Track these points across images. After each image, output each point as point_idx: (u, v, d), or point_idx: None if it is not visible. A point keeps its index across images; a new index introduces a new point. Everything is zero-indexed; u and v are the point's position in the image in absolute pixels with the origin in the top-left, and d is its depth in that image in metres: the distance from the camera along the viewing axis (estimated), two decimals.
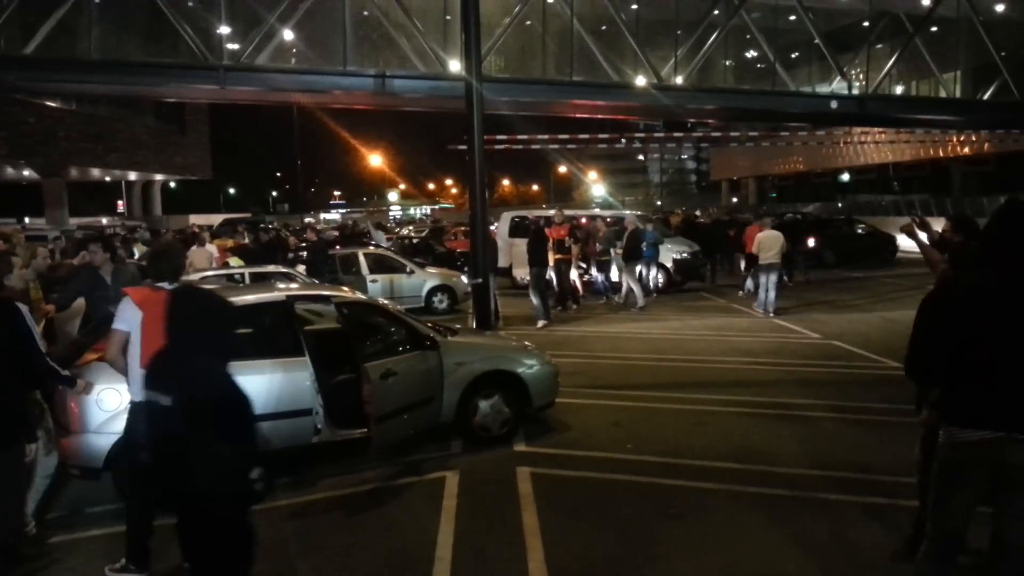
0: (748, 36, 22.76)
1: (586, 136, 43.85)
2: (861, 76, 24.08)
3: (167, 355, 3.83)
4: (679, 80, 21.59)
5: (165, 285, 4.83)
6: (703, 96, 22.09)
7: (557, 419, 7.97)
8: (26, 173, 35.49)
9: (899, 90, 27.69)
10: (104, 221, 35.33)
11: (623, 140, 58.18)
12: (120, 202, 49.04)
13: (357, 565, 5.02)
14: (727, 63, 24.25)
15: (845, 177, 62.15)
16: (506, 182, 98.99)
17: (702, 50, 21.75)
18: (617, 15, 21.19)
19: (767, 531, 5.33)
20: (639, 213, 23.73)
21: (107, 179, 44.80)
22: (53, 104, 32.15)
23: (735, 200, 73.34)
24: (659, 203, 78.59)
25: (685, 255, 19.30)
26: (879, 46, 24.41)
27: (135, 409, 4.82)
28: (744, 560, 4.94)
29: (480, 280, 9.98)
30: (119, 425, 5.59)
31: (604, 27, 22.13)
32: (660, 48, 22.60)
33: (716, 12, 21.95)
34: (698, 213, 43.10)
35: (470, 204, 10.83)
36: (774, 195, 71.31)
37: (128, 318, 4.75)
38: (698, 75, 22.07)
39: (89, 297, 7.47)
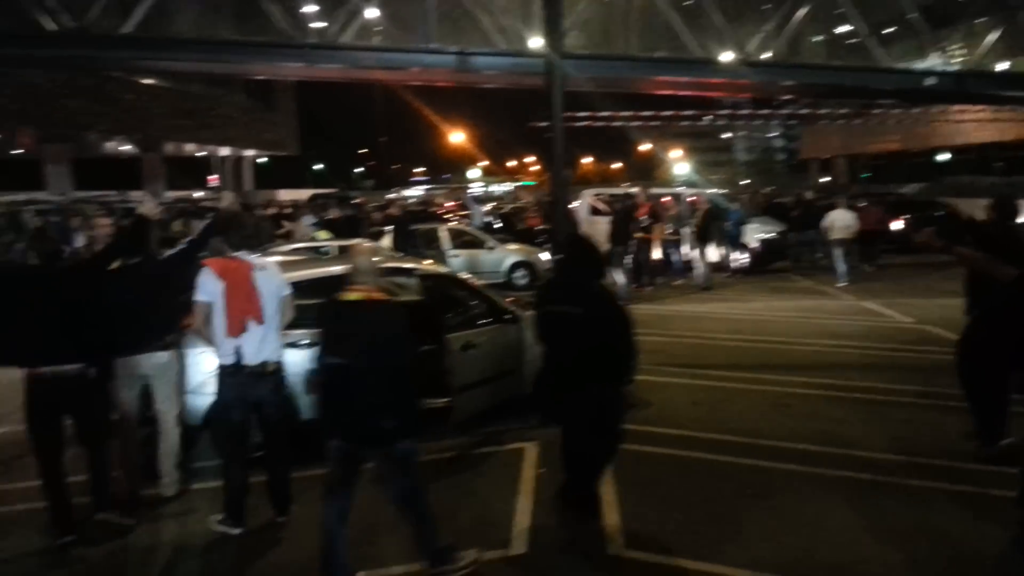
0: (840, 10, 21.94)
1: (669, 113, 43.12)
2: (960, 52, 22.97)
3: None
4: (766, 55, 21.01)
5: (243, 255, 5.12)
6: (791, 71, 21.47)
7: (636, 396, 7.96)
8: (126, 148, 37.05)
9: (1002, 67, 26.29)
10: (199, 195, 36.67)
11: (708, 117, 57.04)
12: (212, 177, 50.74)
13: (440, 526, 5.16)
14: (817, 38, 23.45)
15: (943, 157, 59.46)
16: (587, 160, 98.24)
17: (790, 24, 21.09)
18: None
19: (848, 515, 5.24)
20: (723, 191, 23.28)
21: (200, 154, 46.41)
22: (150, 82, 33.43)
23: (825, 180, 71.10)
24: (744, 182, 76.84)
25: (771, 235, 18.87)
26: (980, 20, 23.20)
27: (223, 373, 5.10)
28: (824, 543, 4.87)
29: (560, 256, 9.99)
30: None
31: (689, 1, 21.69)
32: (747, 23, 22.01)
33: None
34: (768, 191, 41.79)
35: (551, 180, 10.83)
36: (867, 175, 68.79)
37: (209, 289, 5.03)
38: (786, 50, 21.43)
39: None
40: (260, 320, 5.09)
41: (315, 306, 5.91)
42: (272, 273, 5.28)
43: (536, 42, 19.16)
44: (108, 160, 43.59)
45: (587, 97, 33.23)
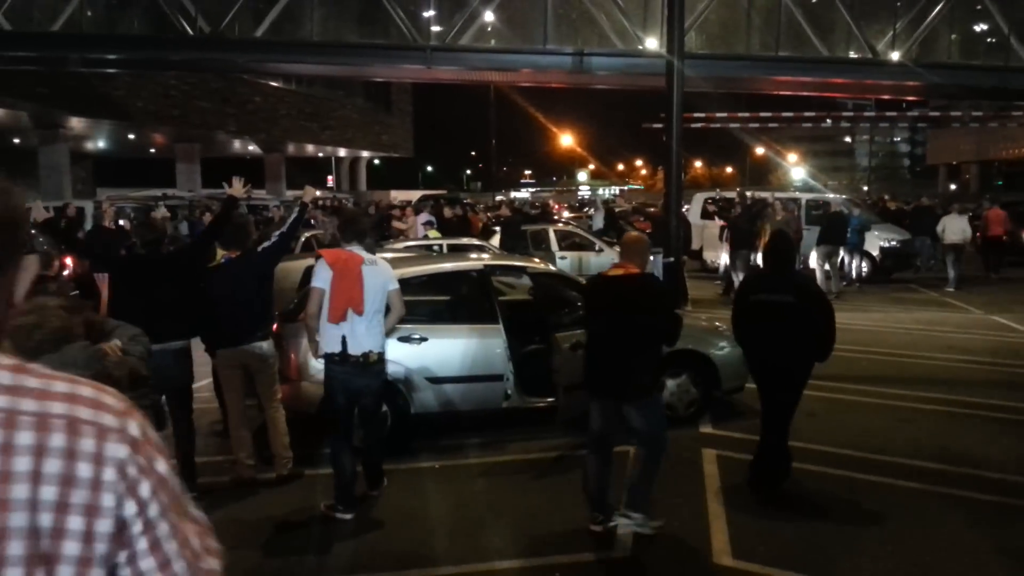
0: (978, 7, 20.73)
1: (790, 114, 41.75)
2: None
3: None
4: (896, 55, 20.07)
5: (355, 248, 5.34)
6: (924, 72, 20.40)
7: (746, 404, 7.77)
8: (251, 148, 38.83)
9: None
10: (318, 193, 38.08)
11: (829, 120, 54.99)
12: (330, 177, 52.53)
13: (543, 526, 5.20)
14: (952, 37, 22.23)
15: None
16: (699, 164, 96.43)
17: (924, 23, 20.09)
18: None
19: (973, 537, 4.96)
20: (845, 197, 22.38)
21: (319, 155, 48.13)
22: (275, 84, 34.94)
23: (954, 187, 67.38)
24: (865, 188, 73.64)
25: (894, 243, 18.04)
26: None
27: (329, 361, 5.28)
28: (946, 565, 4.63)
29: (672, 259, 9.87)
30: None
31: (814, 0, 20.97)
32: (876, 21, 21.07)
33: None
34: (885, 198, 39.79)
35: (665, 183, 10.71)
36: (1000, 183, 64.77)
37: (324, 277, 5.24)
38: (918, 49, 20.41)
39: None
40: (360, 311, 5.20)
41: (430, 301, 6.08)
42: (381, 268, 5.41)
43: (653, 43, 18.95)
44: (234, 159, 45.79)
45: (701, 99, 32.62)
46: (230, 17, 18.81)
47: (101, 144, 34.79)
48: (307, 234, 13.23)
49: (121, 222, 16.61)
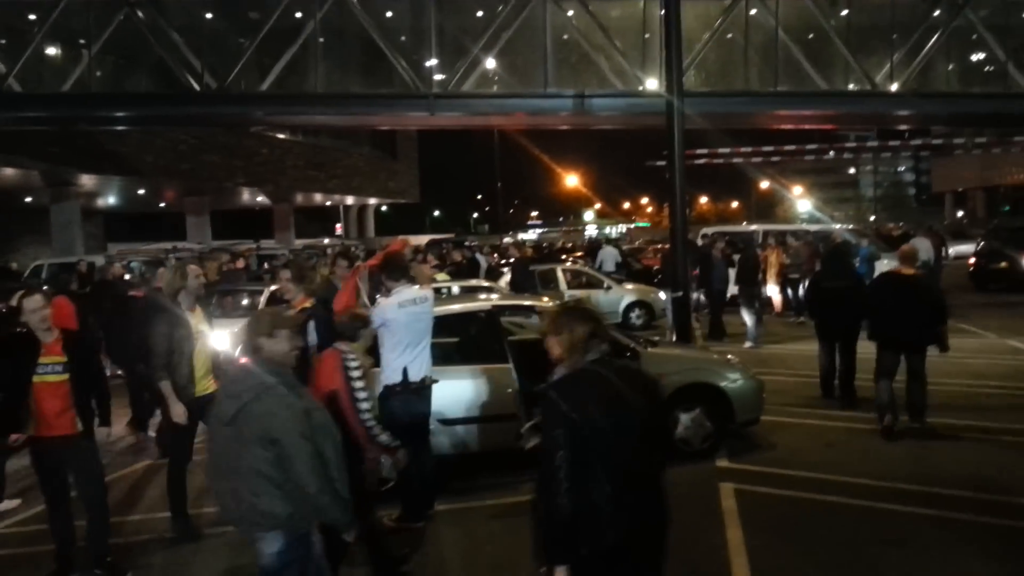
0: (974, 36, 20.94)
1: (792, 147, 42.02)
2: None
3: None
4: (895, 86, 20.24)
5: (403, 284, 5.87)
6: (923, 101, 20.56)
7: (762, 437, 7.71)
8: (259, 199, 39.23)
9: None
10: (326, 241, 38.33)
11: (832, 152, 55.25)
12: (338, 225, 52.93)
13: None
14: (950, 66, 22.42)
15: None
16: (704, 199, 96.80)
17: (921, 54, 20.28)
18: (826, 22, 20.26)
19: (1001, 567, 4.87)
20: (851, 227, 22.40)
21: (327, 203, 48.55)
22: (282, 136, 35.40)
23: (961, 213, 67.30)
24: (872, 218, 73.68)
25: None
26: None
27: (386, 392, 5.69)
28: None
29: (680, 293, 9.88)
30: None
31: (811, 35, 21.23)
32: (873, 53, 21.29)
33: (937, 13, 20.40)
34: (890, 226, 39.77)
35: (670, 219, 10.76)
36: (1007, 208, 64.69)
37: (384, 318, 5.68)
38: (917, 80, 20.58)
39: (326, 303, 8.21)
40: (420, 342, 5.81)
41: (440, 344, 6.16)
42: (431, 302, 6.03)
43: (653, 83, 19.17)
44: (243, 211, 46.26)
45: (705, 135, 32.90)
46: (236, 72, 19.16)
47: (112, 200, 35.19)
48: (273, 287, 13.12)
49: (127, 276, 16.77)
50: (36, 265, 21.24)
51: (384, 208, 60.86)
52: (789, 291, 16.47)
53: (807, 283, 12.62)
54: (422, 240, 40.70)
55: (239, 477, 3.52)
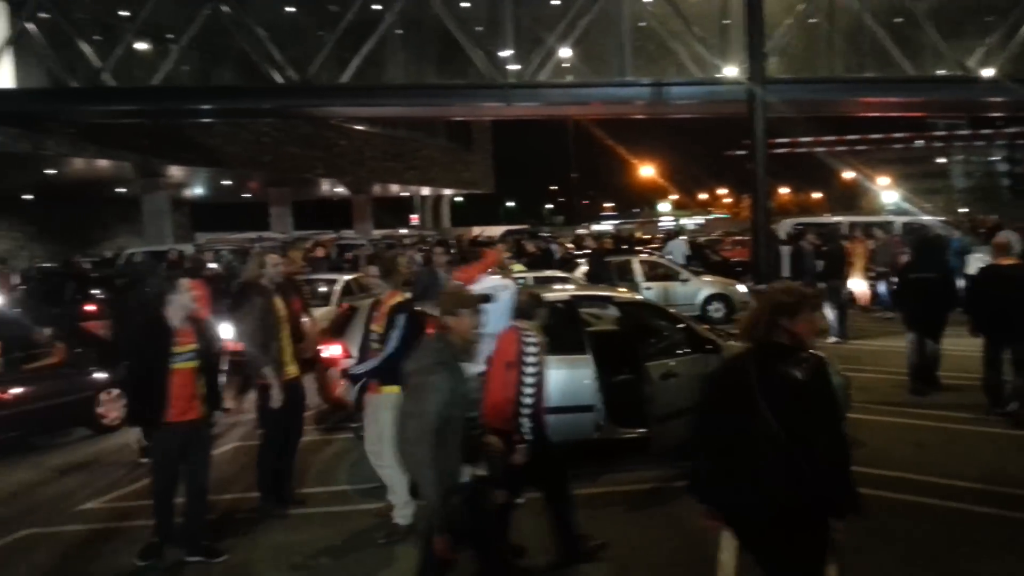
0: None
1: (879, 136, 40.61)
2: None
3: None
4: (988, 72, 19.34)
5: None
6: (1018, 87, 19.59)
7: (849, 435, 7.46)
8: (338, 190, 40.00)
9: None
10: (403, 232, 38.86)
11: (920, 140, 53.20)
12: (414, 215, 53.57)
13: (640, 558, 5.09)
14: None
15: None
16: (784, 190, 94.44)
17: (1016, 37, 19.32)
18: (915, 5, 19.49)
19: None
20: (944, 219, 21.55)
21: (403, 194, 49.20)
22: (361, 127, 35.99)
23: None
24: (963, 210, 70.71)
25: None
26: None
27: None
28: None
29: (763, 286, 9.66)
30: None
31: (899, 19, 20.46)
32: (965, 37, 20.41)
33: None
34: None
35: (752, 210, 10.54)
36: None
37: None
38: (1012, 64, 19.62)
39: (426, 291, 8.33)
40: None
41: None
42: (512, 291, 6.03)
43: (732, 70, 18.80)
44: (323, 201, 47.25)
45: (785, 124, 32.08)
46: (317, 65, 19.55)
47: (198, 190, 36.41)
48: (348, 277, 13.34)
49: (212, 264, 17.31)
50: (130, 253, 22.13)
51: (459, 199, 61.28)
52: (877, 285, 15.95)
53: (896, 276, 12.17)
54: (496, 231, 40.90)
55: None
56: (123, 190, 30.52)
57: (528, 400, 4.84)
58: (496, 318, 5.79)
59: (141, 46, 22.56)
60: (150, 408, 5.10)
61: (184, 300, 5.19)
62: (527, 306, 5.15)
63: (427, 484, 3.72)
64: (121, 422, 8.97)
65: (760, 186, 9.97)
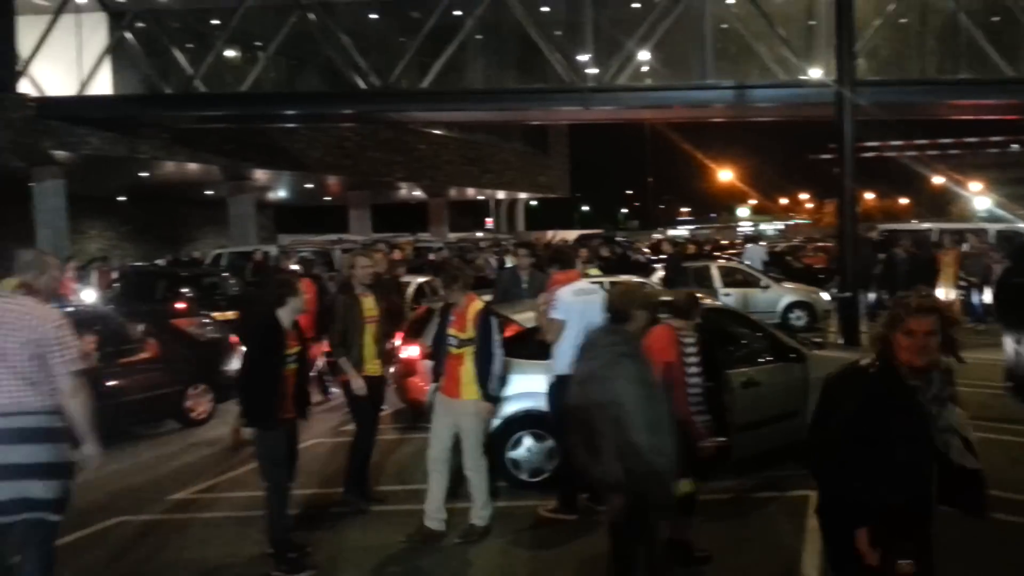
0: None
1: (974, 140, 38.94)
2: None
3: None
4: None
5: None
6: None
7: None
8: (416, 193, 40.56)
9: None
10: (479, 235, 39.13)
11: (1017, 144, 50.81)
12: (488, 219, 53.88)
13: (716, 569, 5.00)
14: None
15: None
16: (869, 195, 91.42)
17: None
18: (1013, 2, 18.63)
19: None
20: None
21: (479, 198, 49.56)
22: (439, 132, 36.42)
23: None
24: None
25: None
26: None
27: (559, 382, 5.64)
28: None
29: (849, 294, 9.38)
30: (501, 410, 6.28)
31: (995, 17, 19.60)
32: None
33: None
34: None
35: (839, 215, 10.24)
36: None
37: (565, 308, 5.78)
38: None
39: (506, 293, 8.40)
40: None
41: None
42: (600, 295, 5.95)
43: (817, 72, 18.33)
44: (400, 204, 47.96)
45: (868, 127, 31.07)
46: (398, 71, 19.86)
47: (281, 193, 37.43)
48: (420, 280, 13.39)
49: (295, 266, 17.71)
50: (216, 254, 22.90)
51: (533, 202, 61.37)
52: (970, 295, 15.30)
53: (992, 284, 11.67)
54: (570, 235, 40.81)
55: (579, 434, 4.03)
56: (211, 192, 31.61)
57: (698, 398, 5.01)
58: (590, 322, 5.66)
59: (231, 53, 23.34)
60: (268, 408, 5.14)
61: (298, 303, 5.34)
62: (685, 305, 5.23)
63: (645, 471, 3.90)
64: (208, 416, 9.32)
65: (847, 191, 9.69)
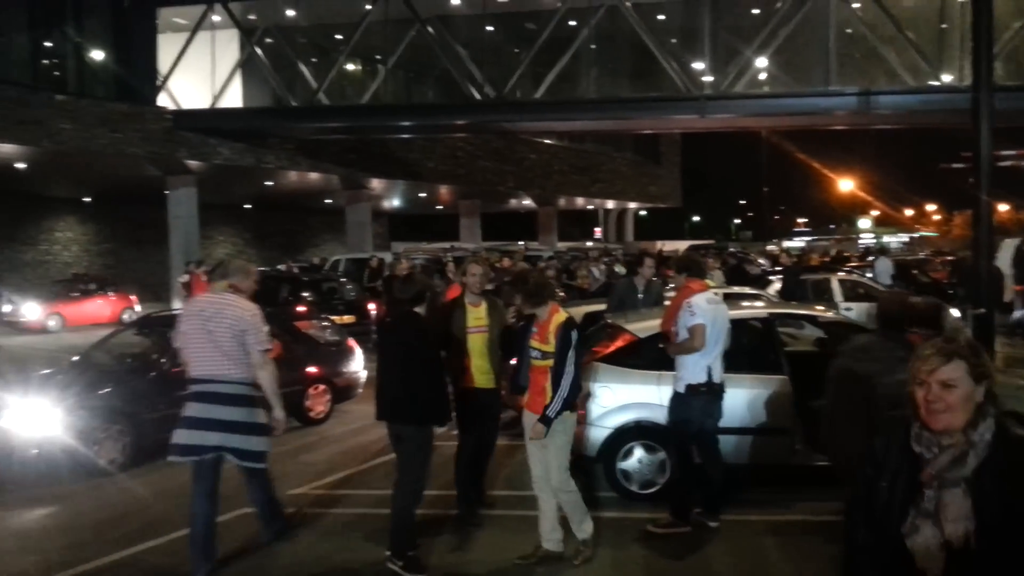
0: None
1: None
2: None
3: None
4: None
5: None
6: None
7: None
8: (525, 202, 40.85)
9: None
10: (588, 244, 39.02)
11: None
12: (597, 228, 53.67)
13: None
14: None
15: None
16: (1003, 207, 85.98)
17: None
18: None
19: None
20: None
21: (588, 207, 49.44)
22: (549, 141, 36.59)
23: None
24: None
25: None
26: None
27: (689, 392, 5.76)
28: None
29: (983, 311, 8.84)
30: (612, 420, 6.25)
31: None
32: None
33: None
34: None
35: (973, 227, 9.68)
36: None
37: (704, 313, 5.77)
38: None
39: (621, 303, 8.37)
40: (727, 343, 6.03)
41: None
42: (725, 306, 6.14)
43: (947, 77, 17.43)
44: (509, 213, 48.43)
45: (1005, 135, 29.23)
46: (513, 82, 20.07)
47: (395, 202, 38.45)
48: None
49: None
50: (335, 260, 23.72)
51: (643, 212, 60.76)
52: None
53: None
54: (680, 246, 40.14)
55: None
56: (330, 201, 32.78)
57: None
58: (719, 330, 5.86)
59: (352, 67, 24.18)
60: (446, 402, 5.52)
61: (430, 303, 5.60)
62: (934, 312, 5.06)
63: None
64: (326, 416, 9.66)
65: (983, 202, 9.14)
